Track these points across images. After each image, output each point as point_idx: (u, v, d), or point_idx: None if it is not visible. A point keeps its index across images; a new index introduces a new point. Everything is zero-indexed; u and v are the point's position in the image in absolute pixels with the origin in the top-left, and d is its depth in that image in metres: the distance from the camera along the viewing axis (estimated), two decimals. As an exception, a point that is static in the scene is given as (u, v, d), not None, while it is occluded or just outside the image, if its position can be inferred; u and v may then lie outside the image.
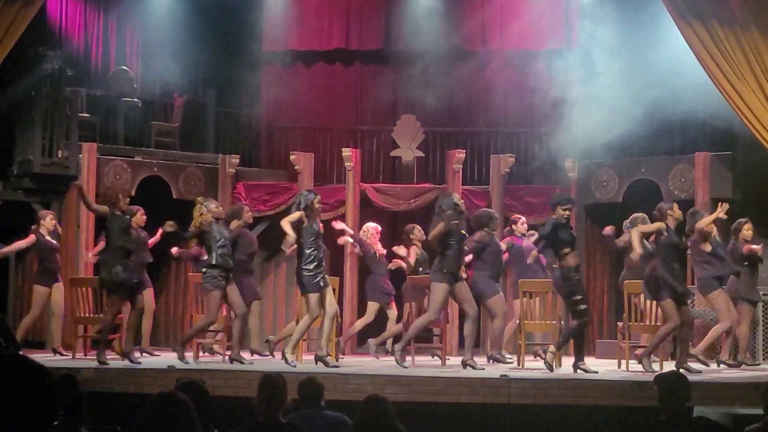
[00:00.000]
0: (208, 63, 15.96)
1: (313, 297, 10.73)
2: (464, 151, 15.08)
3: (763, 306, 12.72)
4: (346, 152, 14.93)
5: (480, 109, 16.52)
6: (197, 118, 15.86)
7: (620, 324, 11.64)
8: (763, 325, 12.66)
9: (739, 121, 12.24)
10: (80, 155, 13.97)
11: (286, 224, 10.67)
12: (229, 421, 6.31)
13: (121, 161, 14.39)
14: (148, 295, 12.13)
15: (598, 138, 13.52)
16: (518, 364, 11.28)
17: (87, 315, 12.03)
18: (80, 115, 14.41)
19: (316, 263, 10.74)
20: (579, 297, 10.51)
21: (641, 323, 11.36)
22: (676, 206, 10.80)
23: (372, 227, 13.09)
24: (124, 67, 15.38)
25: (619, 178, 14.59)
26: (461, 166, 14.87)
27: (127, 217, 11.08)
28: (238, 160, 15.22)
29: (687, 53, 12.42)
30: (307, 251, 10.74)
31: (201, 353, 11.90)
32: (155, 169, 14.69)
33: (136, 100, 15.18)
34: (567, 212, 10.59)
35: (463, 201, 11.29)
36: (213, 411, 5.58)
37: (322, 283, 10.79)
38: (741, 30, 12.00)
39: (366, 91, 16.76)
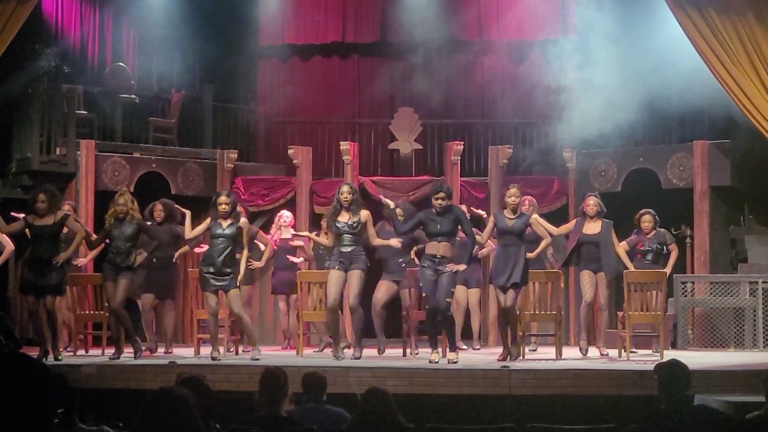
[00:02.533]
0: (204, 58, 15.94)
1: (207, 296, 11.03)
2: (462, 142, 15.07)
3: (762, 292, 12.74)
4: (344, 146, 14.92)
5: (477, 101, 16.50)
6: (195, 113, 15.85)
7: (620, 314, 11.65)
8: (763, 311, 12.69)
9: (738, 109, 12.23)
10: (78, 152, 13.98)
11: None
12: (231, 415, 6.32)
13: (119, 158, 14.39)
14: None
15: (596, 127, 13.52)
16: (519, 355, 11.27)
17: (88, 312, 12.03)
18: (77, 111, 14.40)
19: (208, 264, 10.97)
20: (421, 284, 10.68)
21: (641, 312, 11.35)
22: (512, 190, 11.13)
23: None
24: (120, 64, 15.37)
25: (618, 168, 14.58)
26: (459, 157, 14.87)
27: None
28: (236, 155, 15.22)
29: (685, 41, 12.40)
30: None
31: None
32: (153, 165, 14.69)
33: (133, 96, 15.16)
34: (438, 201, 10.52)
35: (348, 194, 11.10)
36: (214, 406, 5.58)
37: (211, 285, 10.93)
38: (738, 17, 11.97)
39: (363, 84, 16.74)
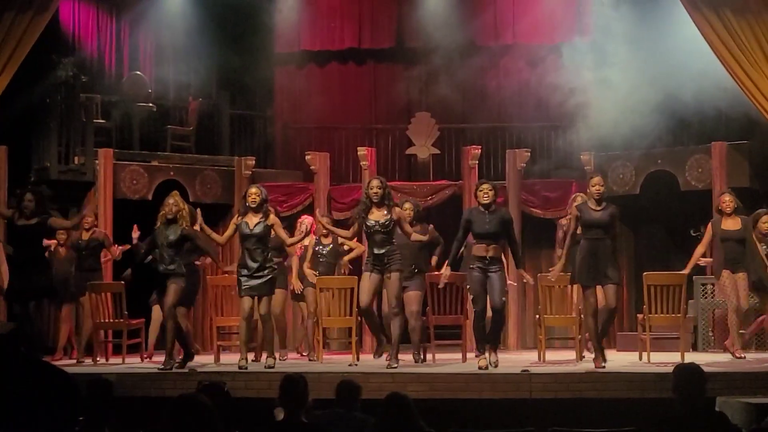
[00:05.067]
0: (221, 66, 15.97)
1: (242, 300, 10.59)
2: (480, 147, 15.07)
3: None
4: (362, 151, 14.94)
5: (494, 105, 16.48)
6: (212, 120, 15.89)
7: (640, 316, 11.60)
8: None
9: (756, 110, 12.19)
10: (96, 161, 14.03)
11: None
12: (251, 422, 6.32)
13: (138, 166, 14.44)
14: None
15: (614, 130, 13.48)
16: (539, 359, 11.25)
17: (107, 320, 12.06)
18: (95, 121, 14.46)
19: (242, 267, 10.54)
20: (468, 286, 10.41)
21: (661, 314, 11.29)
22: (596, 179, 10.51)
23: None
24: (138, 72, 15.42)
25: (636, 170, 14.53)
26: (477, 162, 14.85)
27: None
28: (253, 162, 15.26)
29: (701, 42, 12.36)
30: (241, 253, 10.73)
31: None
32: (172, 173, 14.72)
33: (150, 104, 15.21)
34: (483, 193, 10.28)
35: (378, 189, 10.45)
36: (234, 412, 5.59)
37: (245, 289, 10.49)
38: (754, 18, 11.94)
39: (380, 89, 16.77)
